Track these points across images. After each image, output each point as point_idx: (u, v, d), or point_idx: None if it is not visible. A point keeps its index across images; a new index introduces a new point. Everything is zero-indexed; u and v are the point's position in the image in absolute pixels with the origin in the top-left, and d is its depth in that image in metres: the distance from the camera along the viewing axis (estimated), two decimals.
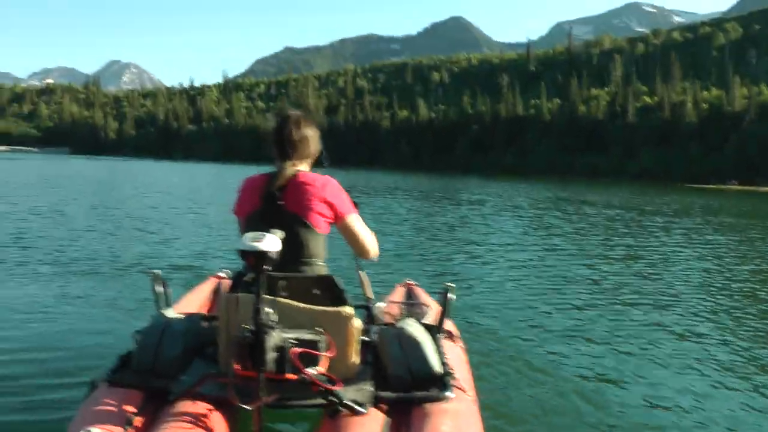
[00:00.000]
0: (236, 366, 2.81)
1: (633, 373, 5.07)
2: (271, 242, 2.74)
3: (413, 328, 3.31)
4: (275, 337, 2.77)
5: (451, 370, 3.22)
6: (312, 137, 3.44)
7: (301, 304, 3.06)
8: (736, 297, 8.96)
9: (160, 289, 3.73)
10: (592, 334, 6.26)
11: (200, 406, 2.89)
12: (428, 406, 2.99)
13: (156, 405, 2.96)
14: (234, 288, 3.20)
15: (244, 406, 2.75)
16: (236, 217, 3.44)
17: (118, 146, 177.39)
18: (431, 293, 4.73)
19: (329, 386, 2.89)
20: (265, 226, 3.00)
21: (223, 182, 39.68)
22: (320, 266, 3.31)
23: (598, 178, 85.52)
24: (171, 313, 3.53)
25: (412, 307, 3.93)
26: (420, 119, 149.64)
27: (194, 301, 4.43)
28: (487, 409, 3.54)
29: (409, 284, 4.96)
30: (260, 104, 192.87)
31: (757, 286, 9.90)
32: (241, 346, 2.79)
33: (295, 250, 3.19)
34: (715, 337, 6.48)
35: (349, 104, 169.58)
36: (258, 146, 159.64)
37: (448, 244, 13.61)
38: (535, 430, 3.89)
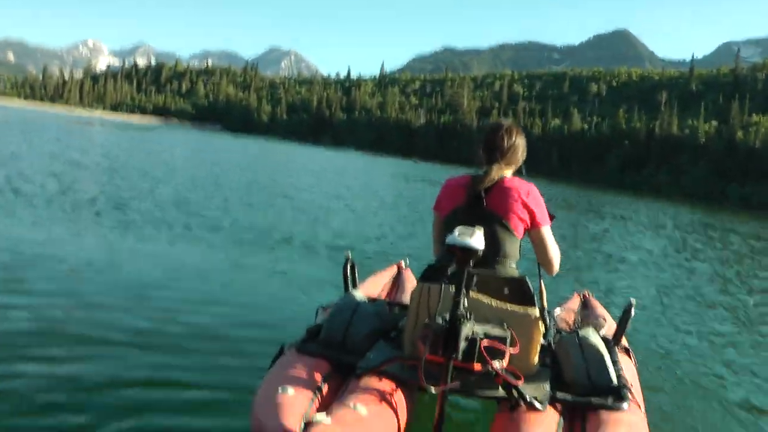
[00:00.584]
0: (423, 351, 2.98)
1: None
2: (480, 239, 2.88)
3: (594, 337, 3.39)
4: (468, 328, 2.91)
5: (626, 383, 3.27)
6: (521, 146, 3.61)
7: (493, 301, 3.20)
8: None
9: (349, 269, 3.99)
10: (745, 361, 6.05)
11: (385, 384, 3.08)
12: (603, 413, 3.05)
13: (341, 377, 3.18)
14: (425, 278, 3.37)
15: (431, 388, 2.90)
16: (435, 213, 3.63)
17: (270, 129, 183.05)
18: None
19: (513, 380, 3.00)
20: (465, 223, 3.15)
21: (398, 172, 40.05)
22: (513, 268, 3.45)
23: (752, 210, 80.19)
24: (359, 294, 3.76)
25: (588, 317, 3.96)
26: (572, 129, 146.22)
27: (376, 285, 4.68)
28: (654, 426, 3.52)
29: (585, 294, 4.97)
30: (414, 100, 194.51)
31: None
32: (432, 333, 2.95)
33: (491, 249, 3.33)
34: None
35: (502, 108, 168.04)
36: (407, 141, 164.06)
37: (608, 258, 13.35)
38: None
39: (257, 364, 3.94)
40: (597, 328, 3.76)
